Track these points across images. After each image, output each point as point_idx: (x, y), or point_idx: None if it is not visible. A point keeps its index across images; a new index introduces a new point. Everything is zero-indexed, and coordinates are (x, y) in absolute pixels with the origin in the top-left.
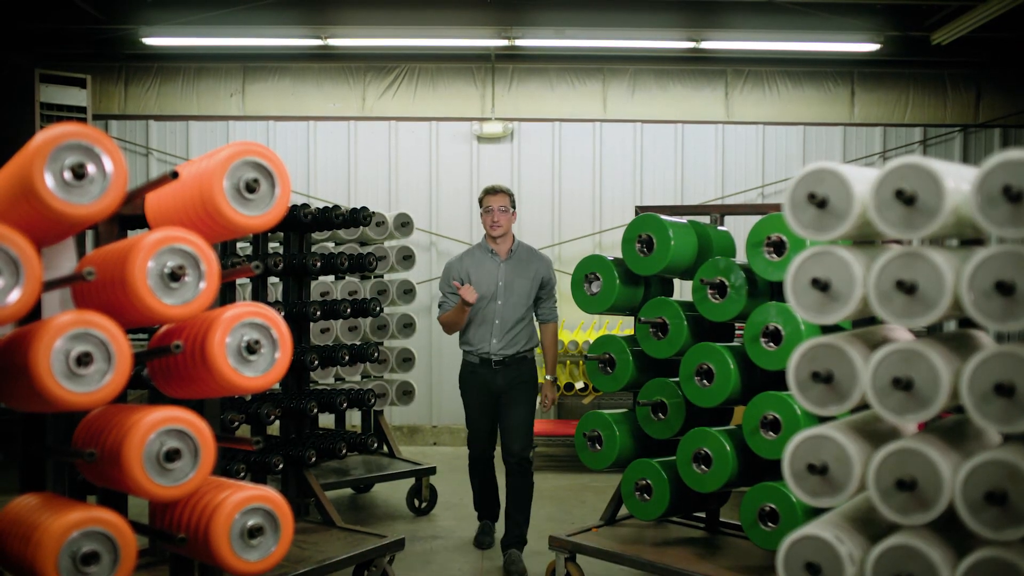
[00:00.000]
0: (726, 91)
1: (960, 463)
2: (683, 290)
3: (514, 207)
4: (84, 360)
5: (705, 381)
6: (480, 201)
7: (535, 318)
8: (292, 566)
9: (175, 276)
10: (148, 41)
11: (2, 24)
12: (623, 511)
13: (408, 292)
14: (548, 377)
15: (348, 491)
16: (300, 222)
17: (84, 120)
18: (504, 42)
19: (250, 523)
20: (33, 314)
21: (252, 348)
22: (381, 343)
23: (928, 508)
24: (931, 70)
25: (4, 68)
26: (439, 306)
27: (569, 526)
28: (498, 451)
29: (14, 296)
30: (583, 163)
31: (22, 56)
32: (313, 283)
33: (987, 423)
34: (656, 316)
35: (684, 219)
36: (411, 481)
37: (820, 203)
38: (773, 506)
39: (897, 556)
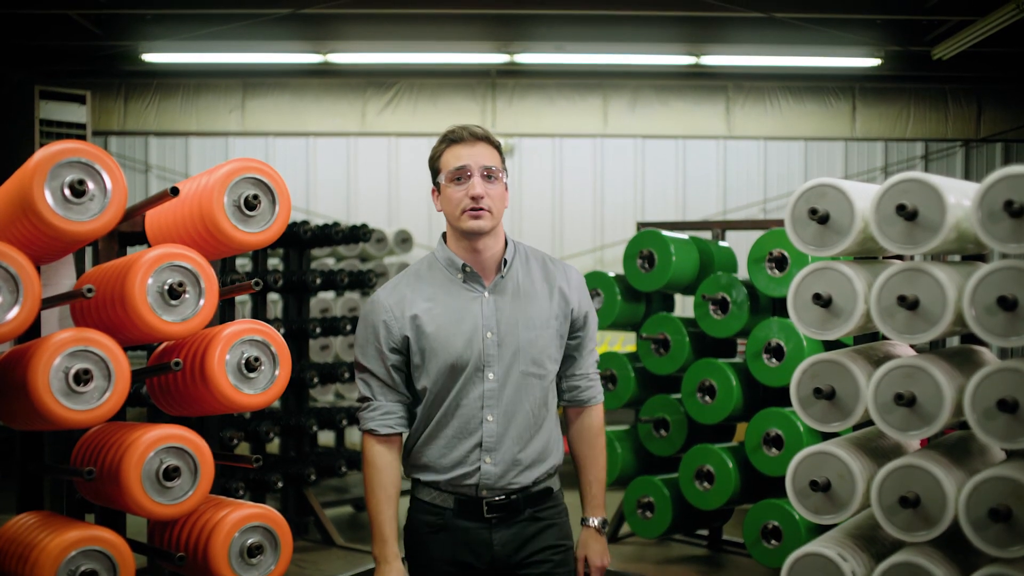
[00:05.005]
0: (727, 106)
1: (964, 480)
2: (685, 306)
3: (506, 173)
4: (83, 377)
5: (707, 397)
6: (435, 160)
7: (559, 397)
8: None
9: (175, 293)
10: (148, 57)
11: (1, 41)
12: (625, 528)
13: None
14: (592, 522)
15: (348, 509)
16: (300, 239)
17: (84, 137)
18: (505, 58)
19: (249, 542)
20: (32, 331)
21: (252, 365)
22: None
23: (932, 525)
24: (932, 85)
25: (3, 85)
26: (360, 406)
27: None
28: None
29: (13, 313)
30: (584, 179)
31: (22, 73)
32: (313, 299)
33: (990, 439)
34: (658, 332)
35: (686, 235)
36: None
37: (822, 219)
38: (776, 523)
39: (901, 574)
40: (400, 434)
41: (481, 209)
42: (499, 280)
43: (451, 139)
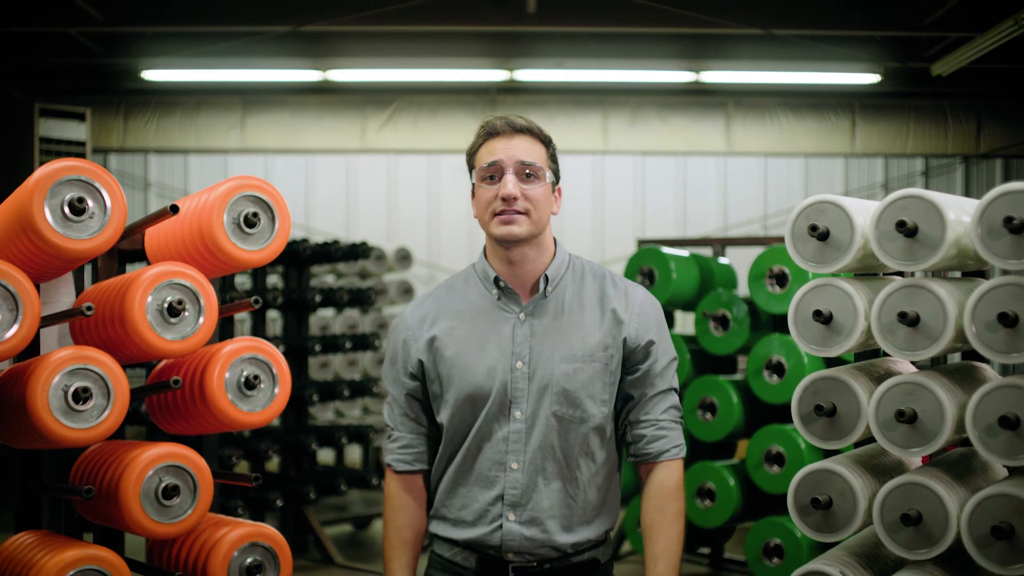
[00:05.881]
0: (727, 123)
1: (966, 497)
2: (685, 323)
3: (557, 178)
4: (82, 396)
5: (708, 415)
6: (470, 156)
7: (625, 448)
8: None
9: (174, 311)
10: (147, 75)
11: (1, 59)
12: (626, 547)
13: None
14: None
15: (348, 528)
16: (299, 256)
17: (83, 154)
18: (504, 75)
19: (248, 561)
20: (31, 349)
21: (251, 383)
22: (380, 378)
23: (934, 543)
24: (931, 101)
25: (3, 102)
26: (387, 438)
27: None
28: None
29: (12, 331)
30: (584, 195)
31: (21, 90)
32: (312, 317)
33: (992, 456)
34: None
35: (686, 252)
36: None
37: (822, 235)
38: (778, 541)
39: None
40: (421, 471)
41: (515, 212)
42: (539, 299)
43: (487, 131)
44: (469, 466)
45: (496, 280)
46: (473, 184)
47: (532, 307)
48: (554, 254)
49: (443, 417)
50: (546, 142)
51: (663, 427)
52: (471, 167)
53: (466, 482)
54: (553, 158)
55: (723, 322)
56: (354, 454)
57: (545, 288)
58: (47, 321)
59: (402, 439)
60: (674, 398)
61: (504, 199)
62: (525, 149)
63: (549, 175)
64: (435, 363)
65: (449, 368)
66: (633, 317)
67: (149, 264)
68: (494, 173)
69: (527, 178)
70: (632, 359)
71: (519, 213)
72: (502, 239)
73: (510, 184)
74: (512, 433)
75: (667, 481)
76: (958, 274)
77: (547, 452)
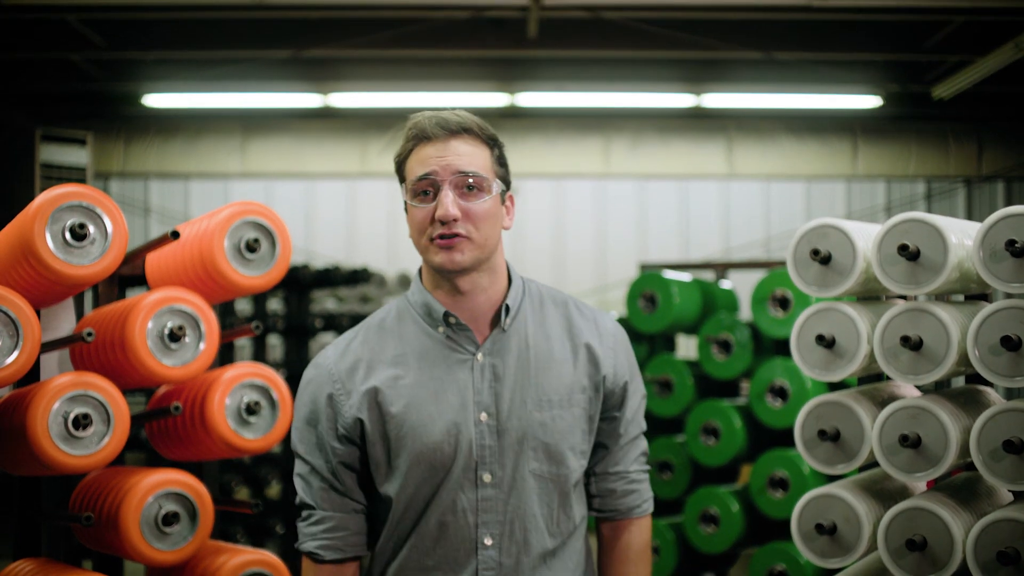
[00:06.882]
0: (729, 146)
1: (971, 522)
2: (688, 347)
3: (507, 184)
4: (82, 422)
5: (711, 439)
6: (399, 166)
7: (588, 503)
8: None
9: (175, 337)
10: (148, 100)
11: (2, 84)
12: None
13: None
14: None
15: None
16: (300, 281)
17: (84, 179)
18: (506, 99)
19: None
20: (31, 375)
21: (252, 409)
22: None
23: (940, 568)
24: (933, 124)
25: (5, 128)
26: (302, 519)
27: None
28: None
29: (12, 357)
30: (586, 219)
31: (23, 116)
32: (313, 342)
33: (997, 481)
34: (661, 374)
35: (688, 275)
36: None
37: (824, 259)
38: (783, 567)
39: None
40: (354, 559)
41: (455, 236)
42: (498, 335)
43: (416, 135)
44: (428, 547)
45: (446, 316)
46: (405, 201)
47: (491, 345)
48: (509, 279)
49: (390, 488)
50: (491, 143)
51: (633, 480)
52: (400, 179)
53: (425, 568)
54: (501, 161)
55: (726, 346)
56: None
57: (505, 321)
58: (47, 347)
59: (328, 520)
60: (643, 443)
61: (441, 220)
62: (465, 156)
63: (496, 185)
64: (378, 422)
65: (398, 428)
66: (608, 353)
67: (150, 289)
68: (427, 188)
69: (469, 192)
70: (608, 403)
71: (460, 236)
72: (442, 269)
73: (447, 202)
74: (483, 501)
75: (635, 540)
76: (961, 297)
77: (527, 520)
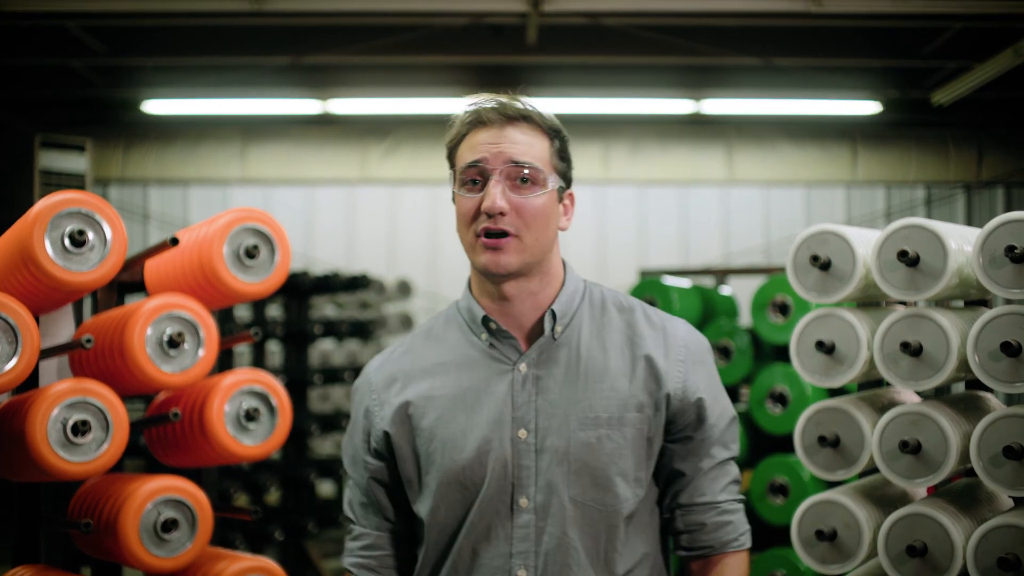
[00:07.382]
0: (728, 152)
1: (971, 528)
2: None
3: (567, 182)
4: (81, 429)
5: None
6: (450, 152)
7: (675, 541)
8: None
9: (174, 343)
10: (148, 106)
11: (2, 90)
12: None
13: None
14: None
15: None
16: (300, 288)
17: (83, 185)
18: None
19: None
20: (30, 382)
21: (251, 416)
22: None
23: (941, 574)
24: (932, 130)
25: (4, 134)
26: (348, 535)
27: None
28: None
29: (11, 364)
30: (585, 225)
31: (22, 122)
32: (312, 348)
33: (997, 486)
34: None
35: (688, 281)
36: None
37: (823, 265)
38: (783, 573)
39: None
40: None
41: (502, 234)
42: (546, 344)
43: (472, 119)
44: (467, 561)
45: (486, 321)
46: (453, 191)
47: (536, 355)
48: (563, 282)
49: (422, 509)
50: (552, 133)
51: (725, 511)
52: (451, 165)
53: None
54: (562, 155)
55: (725, 352)
56: None
57: (553, 328)
58: (46, 353)
59: (365, 537)
60: (734, 470)
61: (487, 213)
62: (520, 144)
63: (553, 180)
64: (409, 437)
65: (427, 442)
66: (675, 367)
67: (149, 296)
68: (476, 177)
69: (522, 184)
70: (678, 422)
71: (509, 236)
72: (485, 271)
73: (495, 193)
74: (518, 529)
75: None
76: (961, 303)
77: (566, 553)
